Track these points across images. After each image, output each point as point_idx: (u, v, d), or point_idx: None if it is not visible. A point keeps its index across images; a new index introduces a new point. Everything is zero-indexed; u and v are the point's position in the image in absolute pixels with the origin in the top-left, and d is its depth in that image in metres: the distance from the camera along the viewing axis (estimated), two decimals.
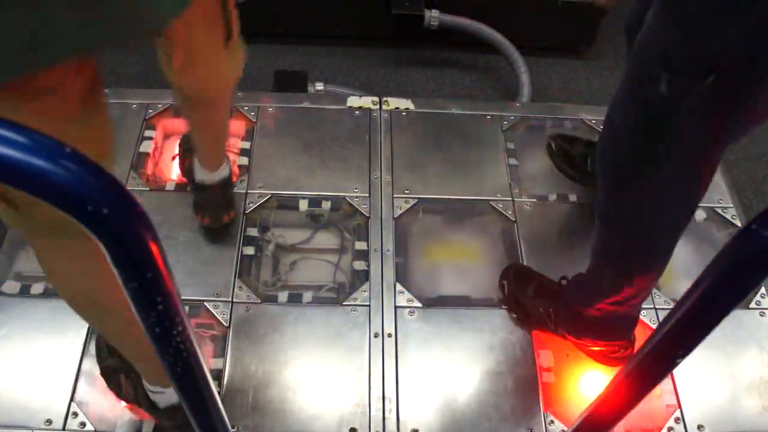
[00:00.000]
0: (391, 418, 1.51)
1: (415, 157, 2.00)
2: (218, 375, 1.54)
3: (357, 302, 1.69)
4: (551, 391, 1.58)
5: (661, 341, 0.71)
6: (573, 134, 2.05)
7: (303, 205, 1.88)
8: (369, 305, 1.68)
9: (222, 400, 0.84)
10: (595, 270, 1.44)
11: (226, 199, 1.77)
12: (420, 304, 1.69)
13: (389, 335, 1.63)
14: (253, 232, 1.81)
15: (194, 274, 1.70)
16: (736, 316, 1.70)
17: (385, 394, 1.54)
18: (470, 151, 2.04)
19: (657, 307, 1.72)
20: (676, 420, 1.55)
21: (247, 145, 1.99)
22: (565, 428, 1.51)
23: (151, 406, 1.41)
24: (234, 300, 1.67)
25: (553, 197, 1.94)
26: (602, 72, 2.66)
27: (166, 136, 2.05)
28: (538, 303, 1.60)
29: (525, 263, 1.77)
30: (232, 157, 1.92)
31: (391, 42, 2.67)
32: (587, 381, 1.60)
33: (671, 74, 0.97)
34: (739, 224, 1.90)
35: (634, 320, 1.53)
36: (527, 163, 2.05)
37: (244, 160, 1.95)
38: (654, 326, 1.69)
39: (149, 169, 1.93)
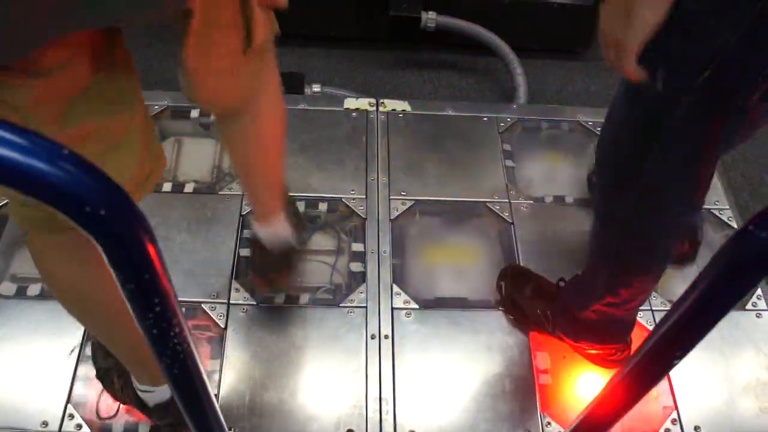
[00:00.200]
0: (388, 419, 1.51)
1: (412, 158, 2.01)
2: (215, 377, 1.54)
3: (354, 304, 1.69)
4: (548, 393, 1.58)
5: (658, 343, 0.71)
6: None
7: (300, 206, 1.87)
8: (366, 307, 1.68)
9: (219, 402, 0.84)
10: (592, 270, 1.44)
11: (282, 264, 1.58)
12: (417, 306, 1.69)
13: (386, 337, 1.63)
14: (250, 233, 1.81)
15: (191, 275, 1.70)
16: (733, 317, 1.70)
17: (382, 396, 1.54)
18: (467, 152, 2.04)
19: (654, 308, 1.72)
20: (673, 422, 1.55)
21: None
22: (562, 430, 1.51)
23: (141, 405, 1.41)
24: (231, 302, 1.67)
25: (549, 199, 1.95)
26: (599, 74, 2.67)
27: (164, 137, 2.05)
28: (536, 304, 1.61)
29: (522, 265, 1.77)
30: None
31: (388, 44, 2.67)
32: (584, 383, 1.60)
33: (668, 72, 0.97)
34: (736, 226, 1.90)
35: (631, 324, 1.53)
36: (524, 164, 2.05)
37: None
38: (651, 328, 1.69)
39: None
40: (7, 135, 0.46)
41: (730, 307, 0.63)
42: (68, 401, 1.50)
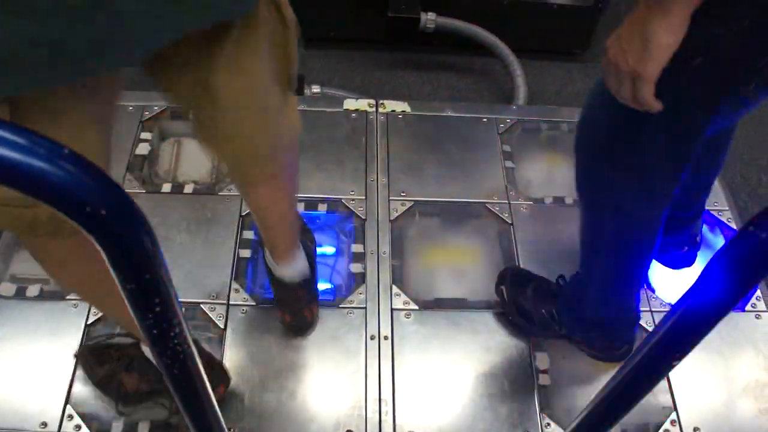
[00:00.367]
0: (387, 420, 1.51)
1: (412, 159, 2.01)
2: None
3: (353, 305, 1.69)
4: (547, 394, 1.58)
5: (657, 344, 0.71)
6: None
7: (299, 207, 1.87)
8: (365, 308, 1.68)
9: (218, 403, 0.84)
10: (585, 261, 1.44)
11: (308, 297, 1.60)
12: (416, 307, 1.69)
13: (385, 338, 1.63)
14: (249, 234, 1.81)
15: (191, 276, 1.70)
16: (732, 318, 1.70)
17: (382, 397, 1.54)
18: (466, 153, 2.04)
19: (653, 309, 1.72)
20: (672, 423, 1.55)
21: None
22: (561, 431, 1.51)
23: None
24: (230, 302, 1.67)
25: (549, 200, 1.95)
26: (598, 75, 2.66)
27: (164, 138, 2.05)
28: (540, 305, 1.60)
29: (521, 266, 1.78)
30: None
31: (388, 45, 2.67)
32: (583, 383, 1.60)
33: None
34: (735, 227, 1.90)
35: (636, 318, 1.53)
36: (523, 165, 2.06)
37: None
38: (650, 329, 1.69)
39: (145, 171, 1.93)
40: (7, 134, 0.46)
41: (730, 308, 0.63)
42: (67, 402, 1.49)
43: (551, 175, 2.02)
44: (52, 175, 0.46)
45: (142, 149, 1.95)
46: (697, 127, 1.08)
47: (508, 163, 2.02)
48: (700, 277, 0.63)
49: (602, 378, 1.59)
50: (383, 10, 2.45)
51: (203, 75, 0.96)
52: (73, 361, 1.54)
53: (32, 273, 1.68)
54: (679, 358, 0.71)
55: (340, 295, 1.73)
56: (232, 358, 1.58)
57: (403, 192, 1.92)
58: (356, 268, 1.77)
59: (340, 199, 1.89)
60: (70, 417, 1.47)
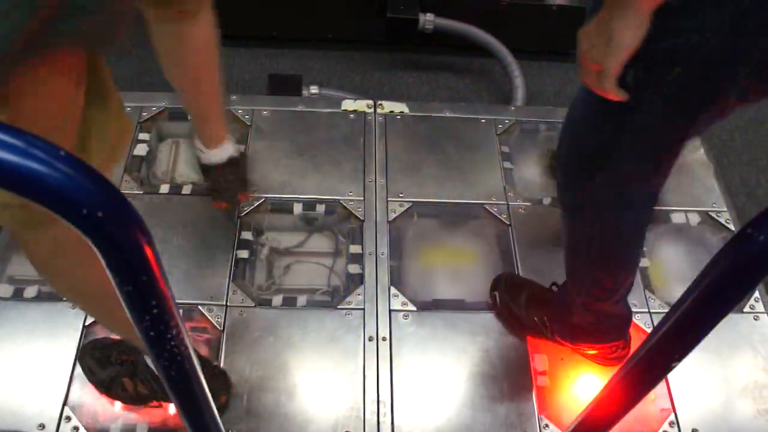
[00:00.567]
0: (385, 421, 1.51)
1: (410, 160, 2.01)
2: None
3: (351, 306, 1.69)
4: (546, 395, 1.58)
5: (656, 345, 0.72)
6: None
7: (297, 208, 1.87)
8: (363, 309, 1.68)
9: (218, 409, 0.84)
10: (569, 264, 1.44)
11: (238, 178, 1.70)
12: (414, 308, 1.69)
13: (384, 339, 1.63)
14: (247, 235, 1.81)
15: (188, 277, 1.70)
16: (731, 320, 1.70)
17: (380, 398, 1.54)
18: (465, 154, 2.04)
19: (652, 311, 1.72)
20: (671, 424, 1.55)
21: (241, 148, 1.98)
22: None
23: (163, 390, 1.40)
24: (228, 304, 1.67)
25: (547, 201, 1.95)
26: None
27: (162, 139, 2.05)
28: (532, 312, 1.60)
29: (519, 267, 1.78)
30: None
31: (386, 45, 2.67)
32: (582, 385, 1.60)
33: (639, 64, 0.97)
34: (733, 228, 1.90)
35: (627, 319, 1.52)
36: (522, 166, 2.05)
37: None
38: (649, 330, 1.69)
39: (143, 172, 1.93)
40: (3, 136, 0.45)
41: (729, 309, 0.63)
42: (65, 403, 1.49)
43: (549, 176, 2.02)
44: (48, 177, 0.46)
45: (140, 150, 1.95)
46: (679, 134, 1.09)
47: (507, 164, 2.02)
48: (698, 278, 0.63)
49: (601, 379, 1.59)
50: (382, 11, 2.45)
51: None
52: (71, 362, 1.54)
53: (30, 274, 1.68)
54: (678, 360, 0.71)
55: (338, 297, 1.73)
56: (230, 359, 1.58)
57: (401, 193, 1.92)
58: (354, 269, 1.77)
59: (338, 200, 1.89)
60: (68, 418, 1.47)
